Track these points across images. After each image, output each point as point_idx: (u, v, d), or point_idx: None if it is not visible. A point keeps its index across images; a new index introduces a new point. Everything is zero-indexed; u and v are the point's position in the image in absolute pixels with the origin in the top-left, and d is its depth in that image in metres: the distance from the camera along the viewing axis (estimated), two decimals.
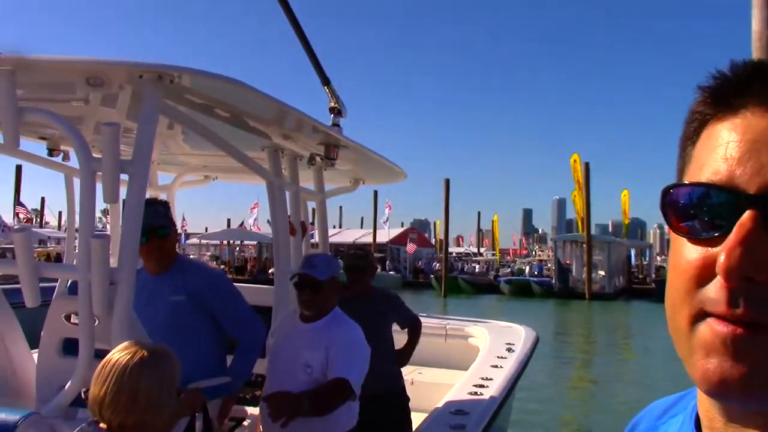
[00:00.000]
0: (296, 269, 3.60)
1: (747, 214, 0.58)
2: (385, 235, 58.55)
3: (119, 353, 2.28)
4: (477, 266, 59.88)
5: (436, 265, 54.73)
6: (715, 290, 0.60)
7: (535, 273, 51.57)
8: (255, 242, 54.52)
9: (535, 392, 11.21)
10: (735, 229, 0.58)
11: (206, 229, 66.70)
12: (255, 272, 46.09)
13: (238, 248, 58.66)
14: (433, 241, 78.24)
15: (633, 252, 51.21)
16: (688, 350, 0.62)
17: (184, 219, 58.22)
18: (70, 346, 3.18)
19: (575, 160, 45.42)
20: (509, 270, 58.98)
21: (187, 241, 59.90)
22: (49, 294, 3.53)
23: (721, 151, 0.63)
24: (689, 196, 0.64)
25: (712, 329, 0.60)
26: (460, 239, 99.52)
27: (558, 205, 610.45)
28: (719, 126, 0.65)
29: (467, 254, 75.10)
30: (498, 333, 7.20)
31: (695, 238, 0.63)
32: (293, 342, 3.51)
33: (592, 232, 46.72)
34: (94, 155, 2.83)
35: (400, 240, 61.07)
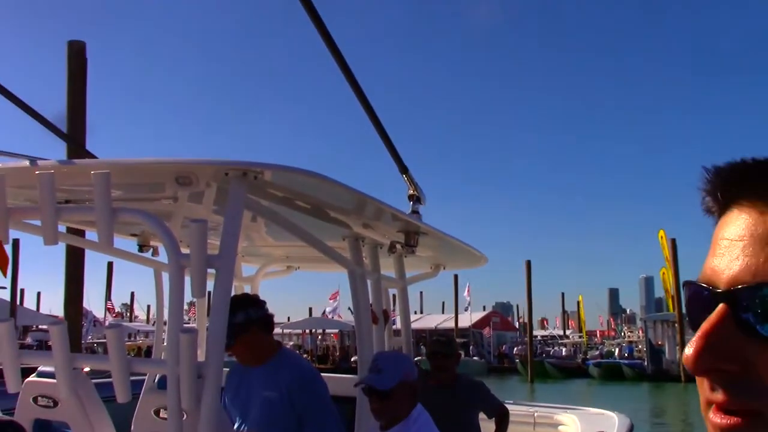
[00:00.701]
0: (363, 374, 3.44)
1: (717, 309, 0.62)
2: (467, 320, 57.84)
3: None
4: (564, 349, 58.22)
5: (517, 349, 53.49)
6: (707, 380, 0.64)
7: (626, 355, 49.78)
8: (336, 330, 54.66)
9: None
10: (702, 324, 0.62)
11: (288, 318, 67.33)
12: (338, 361, 46.00)
13: (320, 337, 58.89)
14: (516, 324, 76.72)
15: None
16: None
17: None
18: None
19: (662, 236, 44.28)
20: (598, 352, 57.09)
21: None
22: (138, 386, 3.60)
23: (712, 249, 0.67)
24: (687, 293, 0.68)
25: (711, 420, 0.62)
26: (545, 322, 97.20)
27: (645, 284, 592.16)
28: (717, 225, 0.69)
29: (553, 337, 73.21)
30: (589, 421, 6.92)
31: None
32: None
33: (684, 310, 44.96)
34: (182, 250, 2.92)
35: (482, 324, 60.26)
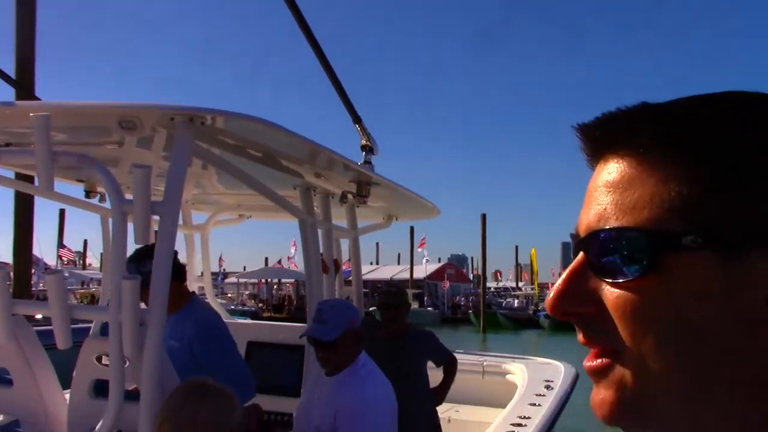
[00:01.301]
0: (309, 326, 3.45)
1: (578, 256, 0.65)
2: (422, 271, 58.45)
3: (183, 388, 2.53)
4: (516, 301, 59.27)
5: (473, 301, 54.31)
6: None
7: None
8: (293, 280, 54.80)
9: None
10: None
11: (245, 267, 67.22)
12: (293, 310, 46.23)
13: (276, 286, 59.01)
14: (470, 276, 77.77)
15: None
16: None
17: (221, 258, 58.83)
18: (101, 388, 3.19)
19: None
20: None
21: (225, 280, 60.45)
22: (85, 335, 3.56)
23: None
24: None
25: (584, 364, 0.66)
26: (498, 274, 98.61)
27: None
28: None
29: (506, 289, 74.44)
30: (536, 370, 7.09)
31: None
32: (314, 395, 3.40)
33: None
34: (128, 196, 2.87)
35: (437, 276, 60.92)
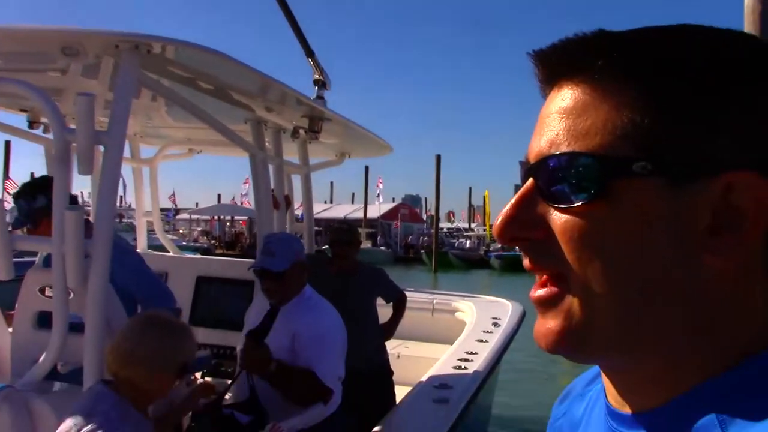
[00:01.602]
0: (257, 258, 3.44)
1: (528, 182, 0.66)
2: (376, 211, 58.63)
3: (132, 320, 2.54)
4: (468, 242, 59.96)
5: (426, 241, 54.82)
6: None
7: None
8: (245, 217, 54.48)
9: (522, 367, 11.27)
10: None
11: (197, 204, 66.60)
12: (246, 247, 46.06)
13: (229, 224, 58.64)
14: (424, 216, 78.29)
15: None
16: None
17: (173, 194, 58.13)
18: (45, 320, 3.15)
19: None
20: (500, 245, 59.01)
21: (177, 217, 59.84)
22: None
23: None
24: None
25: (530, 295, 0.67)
26: (452, 215, 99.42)
27: None
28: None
29: (458, 230, 75.20)
30: (485, 308, 7.20)
31: None
32: (254, 325, 3.40)
33: None
34: (72, 126, 2.78)
35: (391, 215, 61.19)
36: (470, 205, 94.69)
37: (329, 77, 4.67)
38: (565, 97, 0.66)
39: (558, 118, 0.65)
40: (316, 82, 4.65)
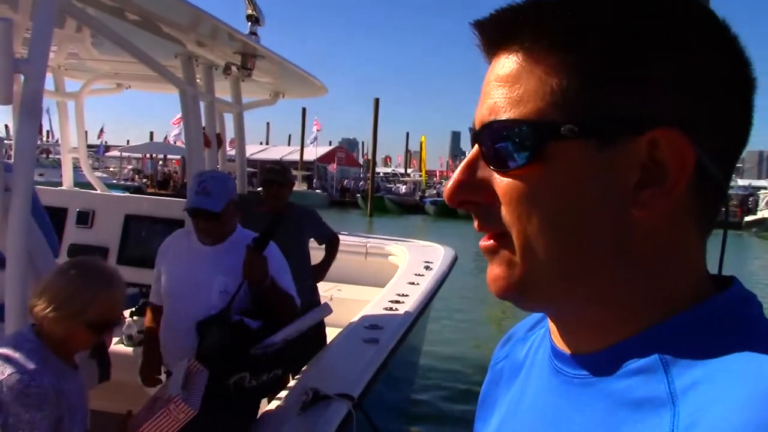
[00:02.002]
0: (190, 197, 3.30)
1: (474, 148, 0.70)
2: (312, 153, 58.28)
3: (60, 265, 2.45)
4: (404, 187, 60.27)
5: (362, 185, 54.89)
6: None
7: None
8: (178, 156, 53.45)
9: (453, 309, 11.51)
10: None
11: (128, 141, 64.92)
12: (178, 187, 45.31)
13: (161, 162, 57.45)
14: (361, 160, 78.21)
15: None
16: None
17: (102, 130, 56.44)
18: None
19: None
20: (435, 191, 59.60)
21: (107, 154, 58.29)
22: None
23: None
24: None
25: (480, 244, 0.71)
26: (388, 159, 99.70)
27: None
28: None
29: (394, 175, 75.46)
30: (417, 251, 7.29)
31: None
32: (198, 266, 3.34)
33: None
34: None
35: (327, 159, 60.96)
36: (407, 151, 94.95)
37: (263, 13, 4.54)
38: (502, 65, 0.69)
39: (496, 86, 0.68)
40: (249, 17, 4.53)
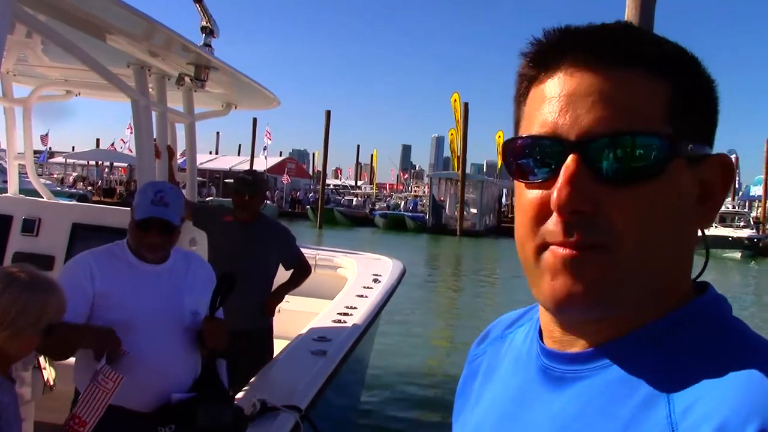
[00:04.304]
0: (144, 207, 3.00)
1: (570, 158, 0.70)
2: (262, 164, 57.88)
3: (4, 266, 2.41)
4: (354, 199, 60.25)
5: (312, 197, 54.67)
6: (553, 224, 0.72)
7: (410, 208, 52.44)
8: (126, 165, 52.53)
9: (401, 322, 11.55)
10: (562, 172, 0.70)
11: (73, 148, 63.61)
12: (125, 195, 44.54)
13: (107, 170, 56.38)
14: (311, 172, 77.98)
15: (505, 192, 52.50)
16: (536, 276, 0.75)
17: (47, 135, 55.13)
18: None
19: (455, 100, 46.07)
20: (385, 204, 59.72)
21: (51, 160, 56.99)
22: None
23: (546, 107, 0.74)
24: (524, 148, 0.75)
25: (554, 255, 0.72)
26: (339, 171, 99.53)
27: (436, 143, 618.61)
28: (542, 86, 0.76)
29: (345, 187, 75.35)
30: (366, 264, 7.33)
31: (532, 182, 0.75)
32: (159, 289, 3.05)
33: (468, 171, 47.86)
34: None
35: (278, 169, 60.56)
36: (358, 163, 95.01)
37: (217, 25, 4.55)
38: (595, 81, 0.72)
39: (604, 99, 0.71)
40: (203, 29, 4.53)
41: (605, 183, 0.69)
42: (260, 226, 4.58)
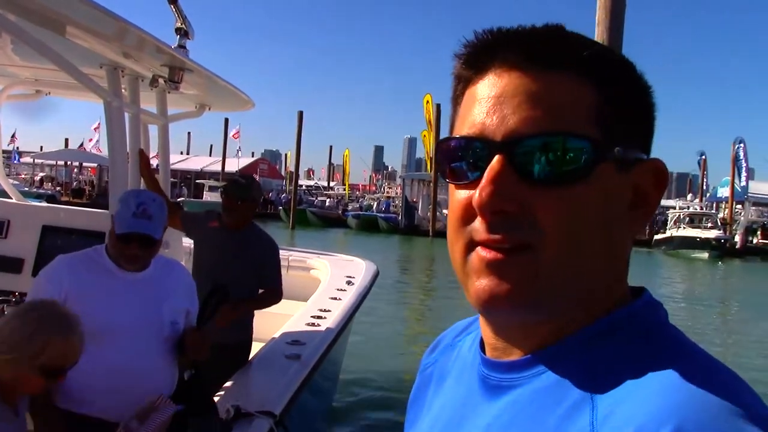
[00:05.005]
0: (126, 220, 2.87)
1: (496, 159, 0.70)
2: (234, 164, 57.57)
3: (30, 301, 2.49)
4: (327, 200, 60.14)
5: (284, 197, 54.50)
6: (478, 223, 0.72)
7: (383, 209, 52.49)
8: (95, 165, 51.96)
9: (374, 324, 11.55)
10: (486, 172, 0.70)
11: (41, 148, 62.75)
12: (94, 196, 44.05)
13: (76, 170, 55.71)
14: (283, 172, 77.71)
15: None
16: (465, 278, 0.75)
17: (14, 135, 54.35)
18: None
19: (428, 101, 46.18)
20: (358, 205, 59.67)
21: (21, 160, 56.17)
22: None
23: (476, 108, 0.74)
24: (453, 149, 0.76)
25: (479, 256, 0.72)
26: (311, 172, 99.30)
27: (409, 144, 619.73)
28: (474, 87, 0.76)
29: (317, 187, 75.21)
30: (340, 266, 7.31)
31: (460, 183, 0.75)
32: (134, 297, 2.95)
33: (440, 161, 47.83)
34: None
35: (250, 170, 60.25)
36: (330, 164, 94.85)
37: (192, 26, 4.51)
38: (523, 82, 0.72)
39: (530, 101, 0.71)
40: (178, 30, 4.48)
41: (531, 184, 0.70)
42: (247, 235, 4.31)
